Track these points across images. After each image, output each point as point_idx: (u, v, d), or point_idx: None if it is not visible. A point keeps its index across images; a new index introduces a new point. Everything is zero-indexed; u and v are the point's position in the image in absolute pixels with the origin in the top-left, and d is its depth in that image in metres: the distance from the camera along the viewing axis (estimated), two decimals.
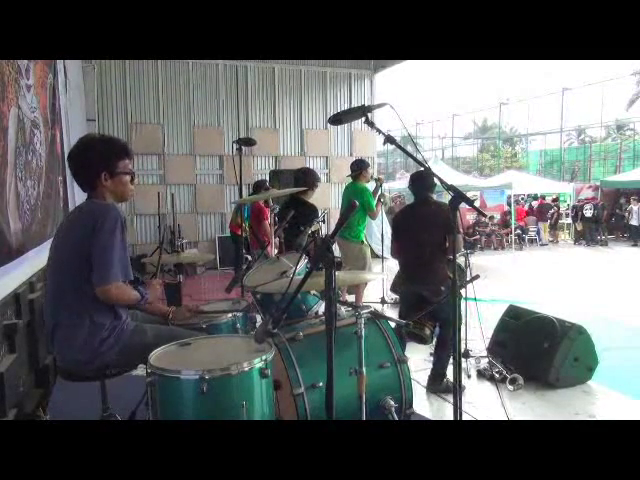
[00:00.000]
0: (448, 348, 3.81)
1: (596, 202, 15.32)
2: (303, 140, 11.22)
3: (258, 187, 6.69)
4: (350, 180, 5.80)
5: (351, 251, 5.52)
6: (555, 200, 16.73)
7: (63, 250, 2.27)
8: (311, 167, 11.11)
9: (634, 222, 14.73)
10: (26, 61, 3.41)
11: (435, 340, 3.89)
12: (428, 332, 3.67)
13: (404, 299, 4.14)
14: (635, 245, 14.34)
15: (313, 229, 4.03)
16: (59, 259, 2.28)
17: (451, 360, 2.28)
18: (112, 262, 2.15)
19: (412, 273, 3.92)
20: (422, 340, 3.71)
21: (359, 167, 5.60)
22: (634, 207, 14.75)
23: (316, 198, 5.17)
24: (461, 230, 3.93)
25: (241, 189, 4.76)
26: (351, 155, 11.36)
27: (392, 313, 5.48)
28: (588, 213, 14.82)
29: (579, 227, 15.29)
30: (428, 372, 3.92)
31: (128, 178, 2.36)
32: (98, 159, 2.28)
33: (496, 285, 7.95)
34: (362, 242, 5.59)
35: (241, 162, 4.34)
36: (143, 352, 2.07)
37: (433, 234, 3.74)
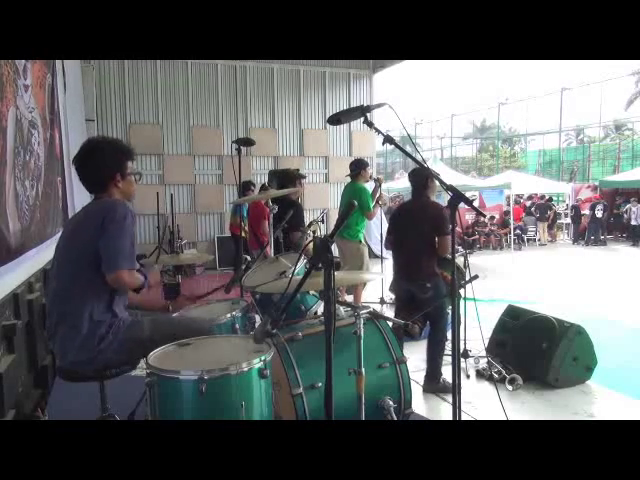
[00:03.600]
0: (439, 347, 3.86)
1: (605, 202, 15.30)
2: (302, 140, 11.22)
3: (246, 188, 6.77)
4: (349, 180, 5.81)
5: (349, 250, 5.53)
6: (549, 200, 16.73)
7: (69, 248, 2.30)
8: (310, 167, 11.21)
9: (635, 222, 14.70)
10: (23, 61, 3.41)
11: (427, 340, 3.92)
12: (417, 329, 3.73)
13: (397, 295, 4.26)
14: (634, 245, 14.33)
15: (312, 229, 4.04)
16: (65, 257, 2.30)
17: (450, 360, 2.27)
18: (124, 249, 2.18)
19: (401, 268, 4.03)
20: (411, 336, 3.75)
21: (358, 167, 5.60)
22: (633, 208, 14.71)
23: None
24: (459, 230, 4.00)
25: (240, 189, 4.77)
26: (350, 155, 11.36)
27: (391, 313, 5.48)
28: (599, 214, 14.78)
29: (585, 225, 15.26)
30: None
31: (134, 178, 2.43)
32: (111, 161, 2.34)
33: (495, 285, 7.95)
34: (360, 241, 5.60)
35: (240, 162, 4.33)
36: (142, 345, 2.09)
37: (422, 232, 3.82)
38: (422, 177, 3.93)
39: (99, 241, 2.17)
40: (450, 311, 4.31)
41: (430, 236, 3.79)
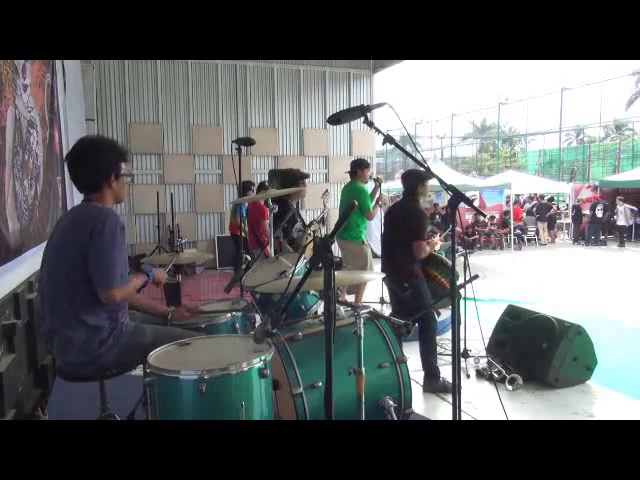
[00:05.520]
0: (431, 346, 3.87)
1: (605, 202, 15.28)
2: (302, 140, 11.22)
3: (246, 188, 6.79)
4: (348, 178, 5.81)
5: (351, 251, 5.53)
6: (550, 200, 16.74)
7: (58, 254, 2.24)
8: (310, 167, 11.19)
9: (621, 222, 14.65)
10: (23, 60, 3.40)
11: (418, 341, 3.94)
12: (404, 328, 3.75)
13: (389, 292, 4.32)
14: (621, 246, 14.21)
15: (312, 229, 4.05)
16: (54, 264, 2.26)
17: (449, 360, 2.27)
18: (114, 266, 2.15)
19: (384, 267, 4.11)
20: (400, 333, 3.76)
21: (356, 166, 5.60)
22: (619, 207, 14.65)
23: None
24: (459, 230, 4.03)
25: (240, 189, 4.77)
26: (350, 155, 11.37)
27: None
28: (600, 214, 14.77)
29: (583, 226, 15.28)
30: None
31: (126, 180, 2.40)
32: (108, 161, 2.30)
33: (495, 285, 7.95)
34: (363, 242, 5.60)
35: (240, 162, 4.33)
36: (142, 352, 2.07)
37: (399, 233, 3.90)
38: (413, 181, 3.98)
39: (89, 256, 2.13)
40: (438, 312, 4.33)
41: (404, 238, 3.85)
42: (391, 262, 4.01)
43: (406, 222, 3.90)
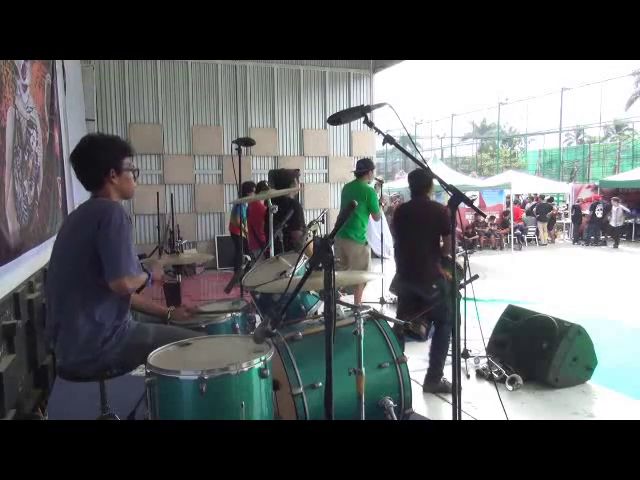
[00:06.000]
0: (444, 348, 3.84)
1: (605, 202, 15.26)
2: (302, 140, 11.22)
3: (247, 189, 6.80)
4: (349, 179, 5.80)
5: (353, 252, 5.52)
6: (550, 200, 16.74)
7: (67, 249, 2.28)
8: (310, 167, 11.22)
9: (612, 223, 14.57)
10: (22, 60, 3.40)
11: (431, 340, 3.92)
12: (424, 330, 3.71)
13: (400, 296, 4.24)
14: (615, 247, 14.10)
15: (313, 229, 4.05)
16: (63, 259, 2.29)
17: (450, 360, 2.28)
18: (124, 255, 2.18)
19: (405, 270, 4.01)
20: (418, 338, 3.74)
21: (367, 166, 5.56)
22: (614, 208, 14.57)
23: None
24: (459, 230, 4.00)
25: (240, 189, 4.77)
26: (350, 155, 11.38)
27: (391, 313, 5.48)
28: (599, 214, 14.75)
29: (582, 226, 15.29)
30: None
31: (131, 175, 2.40)
32: (106, 156, 2.32)
33: (495, 285, 7.95)
34: (365, 243, 5.61)
35: (240, 162, 4.33)
36: (144, 351, 2.08)
37: (426, 232, 3.79)
38: (424, 179, 3.92)
39: (98, 247, 2.16)
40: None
41: (434, 236, 3.77)
42: (417, 264, 3.82)
43: (432, 218, 3.76)
